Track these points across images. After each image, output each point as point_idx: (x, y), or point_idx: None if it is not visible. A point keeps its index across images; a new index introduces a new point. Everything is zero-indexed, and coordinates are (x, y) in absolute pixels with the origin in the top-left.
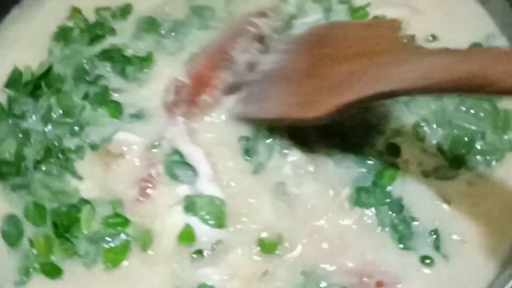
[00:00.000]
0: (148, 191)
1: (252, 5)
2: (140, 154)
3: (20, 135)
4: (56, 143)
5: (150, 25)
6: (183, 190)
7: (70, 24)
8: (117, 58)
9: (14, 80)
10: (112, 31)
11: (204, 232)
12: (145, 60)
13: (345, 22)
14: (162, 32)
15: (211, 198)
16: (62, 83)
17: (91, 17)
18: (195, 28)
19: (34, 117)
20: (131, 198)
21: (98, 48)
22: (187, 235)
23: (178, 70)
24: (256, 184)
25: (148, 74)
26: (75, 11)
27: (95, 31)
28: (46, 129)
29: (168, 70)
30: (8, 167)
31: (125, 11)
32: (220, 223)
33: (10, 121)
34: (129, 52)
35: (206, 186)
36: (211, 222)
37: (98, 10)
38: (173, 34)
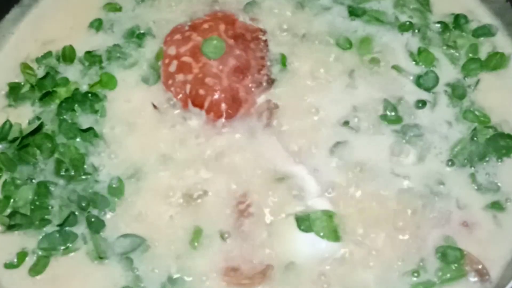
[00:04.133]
0: (249, 209)
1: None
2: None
3: None
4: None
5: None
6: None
7: (20, 80)
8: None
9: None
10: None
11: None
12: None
13: None
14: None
15: (324, 213)
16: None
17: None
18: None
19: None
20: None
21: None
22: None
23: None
24: None
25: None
26: (25, 67)
27: (45, 85)
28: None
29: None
30: None
31: (68, 54)
32: (335, 237)
33: None
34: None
35: (316, 201)
36: (327, 236)
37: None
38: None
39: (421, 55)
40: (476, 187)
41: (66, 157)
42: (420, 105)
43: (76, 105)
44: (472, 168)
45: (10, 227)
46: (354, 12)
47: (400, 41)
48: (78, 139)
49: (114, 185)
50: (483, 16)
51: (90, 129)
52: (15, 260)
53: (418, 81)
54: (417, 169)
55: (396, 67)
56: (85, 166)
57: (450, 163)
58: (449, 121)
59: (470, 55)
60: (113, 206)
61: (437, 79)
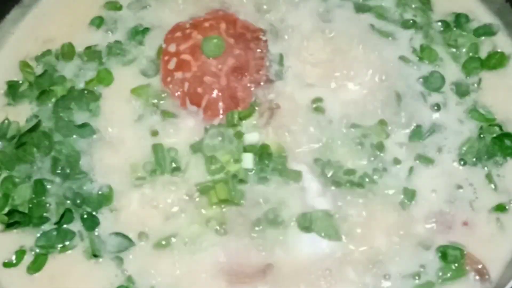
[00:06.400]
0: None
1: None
2: None
3: None
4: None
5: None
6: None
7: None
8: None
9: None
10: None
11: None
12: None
13: None
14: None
15: (325, 212)
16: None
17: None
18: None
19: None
20: None
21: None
22: None
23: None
24: None
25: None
26: (24, 65)
27: (43, 83)
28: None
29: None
30: None
31: (67, 52)
32: (336, 236)
33: None
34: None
35: (317, 201)
36: (328, 236)
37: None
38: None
39: (424, 52)
40: (493, 188)
41: (62, 155)
42: (436, 108)
43: (73, 103)
44: (486, 168)
45: (9, 226)
46: (360, 9)
47: (403, 38)
48: (74, 137)
49: (104, 192)
50: (483, 16)
51: (86, 125)
52: (14, 258)
53: (426, 83)
54: (426, 168)
55: (403, 58)
56: (80, 164)
57: (462, 162)
58: (461, 120)
59: (471, 54)
60: (107, 206)
61: (443, 79)
